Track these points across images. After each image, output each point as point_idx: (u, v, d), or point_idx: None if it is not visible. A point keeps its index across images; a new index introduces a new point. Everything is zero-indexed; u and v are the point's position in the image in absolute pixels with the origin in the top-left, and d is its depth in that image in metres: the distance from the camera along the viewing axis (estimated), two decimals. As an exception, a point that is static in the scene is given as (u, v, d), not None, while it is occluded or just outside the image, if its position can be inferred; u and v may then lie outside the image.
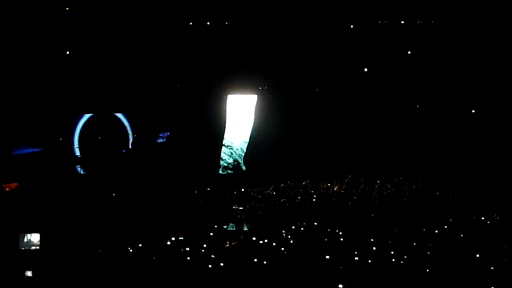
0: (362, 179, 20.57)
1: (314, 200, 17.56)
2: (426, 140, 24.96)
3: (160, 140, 21.34)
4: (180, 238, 13.48)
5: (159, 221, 15.08)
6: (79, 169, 19.74)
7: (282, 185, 19.73)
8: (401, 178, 20.24)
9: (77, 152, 19.96)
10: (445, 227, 14.83)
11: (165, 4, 21.34)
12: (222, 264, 11.47)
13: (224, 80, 22.35)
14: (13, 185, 16.82)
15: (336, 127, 25.11)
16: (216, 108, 22.00)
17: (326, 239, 13.57)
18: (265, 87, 23.47)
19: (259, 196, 17.97)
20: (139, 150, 20.74)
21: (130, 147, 20.88)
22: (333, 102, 25.06)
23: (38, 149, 18.83)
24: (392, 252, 12.27)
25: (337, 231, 14.32)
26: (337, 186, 19.35)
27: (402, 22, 24.41)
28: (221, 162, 21.78)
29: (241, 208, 16.59)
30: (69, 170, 19.57)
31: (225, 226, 15.68)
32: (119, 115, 21.02)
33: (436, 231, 14.36)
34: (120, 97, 20.69)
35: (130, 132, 21.03)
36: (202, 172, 21.08)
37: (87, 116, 20.30)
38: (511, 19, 22.86)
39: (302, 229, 14.70)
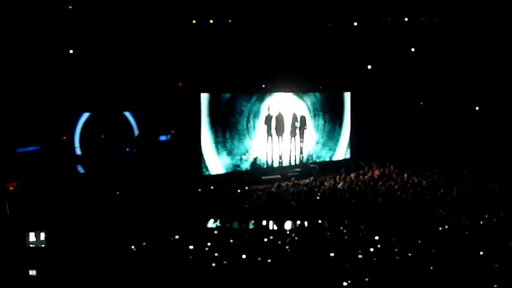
0: (366, 177, 20.63)
1: (318, 197, 17.58)
2: (430, 137, 24.97)
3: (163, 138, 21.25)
4: (184, 235, 13.53)
5: (163, 219, 15.11)
6: (80, 168, 19.68)
7: (286, 183, 19.78)
8: (405, 176, 20.25)
9: (78, 151, 19.88)
10: (449, 224, 14.84)
11: (167, 2, 21.32)
12: (225, 262, 11.50)
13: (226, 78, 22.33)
14: (16, 183, 16.86)
15: (339, 125, 25.12)
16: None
17: (330, 237, 13.59)
18: (268, 85, 23.46)
19: (263, 194, 17.98)
20: (143, 148, 20.72)
21: (134, 145, 20.85)
22: (334, 100, 25.06)
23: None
24: (396, 250, 12.28)
25: (341, 228, 14.34)
26: (341, 183, 19.38)
27: (406, 19, 24.39)
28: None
29: (247, 206, 16.61)
30: (72, 169, 19.58)
31: (228, 224, 15.72)
32: (122, 113, 20.97)
33: (440, 228, 14.37)
34: (123, 94, 20.66)
35: (135, 130, 21.00)
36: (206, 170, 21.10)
37: (89, 114, 20.24)
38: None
39: (306, 226, 14.73)
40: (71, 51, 20.22)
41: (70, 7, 20.04)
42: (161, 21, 21.33)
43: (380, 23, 24.51)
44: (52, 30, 19.55)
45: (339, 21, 23.93)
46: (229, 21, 22.99)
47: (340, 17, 23.89)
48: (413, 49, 24.48)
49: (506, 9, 22.95)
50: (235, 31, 23.15)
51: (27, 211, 15.18)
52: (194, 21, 22.32)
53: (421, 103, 25.72)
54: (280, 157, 23.17)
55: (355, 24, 24.22)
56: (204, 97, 20.83)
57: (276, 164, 23.02)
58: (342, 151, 25.28)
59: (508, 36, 23.41)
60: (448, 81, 24.79)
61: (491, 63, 23.97)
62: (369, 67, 24.09)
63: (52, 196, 16.42)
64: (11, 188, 16.56)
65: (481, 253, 12.01)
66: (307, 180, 20.19)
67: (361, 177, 20.65)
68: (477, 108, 24.74)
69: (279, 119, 22.93)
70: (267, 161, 22.82)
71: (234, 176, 21.15)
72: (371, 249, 12.23)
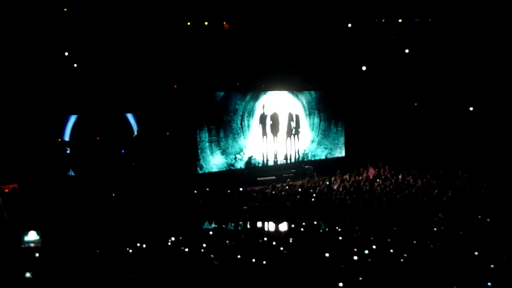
0: (361, 177, 20.66)
1: (313, 198, 17.60)
2: (424, 138, 25.03)
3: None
4: (179, 237, 13.55)
5: (158, 221, 15.11)
6: (71, 171, 19.59)
7: (281, 184, 19.80)
8: (400, 177, 20.30)
9: (70, 153, 19.77)
10: (445, 224, 14.88)
11: (163, 4, 21.32)
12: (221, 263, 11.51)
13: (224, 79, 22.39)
14: (11, 186, 16.84)
15: (335, 123, 25.17)
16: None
17: (325, 237, 13.62)
18: (263, 85, 23.54)
19: (259, 196, 17.99)
20: (138, 149, 20.69)
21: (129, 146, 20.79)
22: (332, 101, 25.12)
23: None
24: (392, 250, 12.31)
25: (337, 228, 14.38)
26: (336, 184, 19.41)
27: (400, 20, 24.46)
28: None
29: (245, 207, 16.63)
30: (68, 170, 19.54)
31: (224, 226, 15.72)
32: (117, 114, 20.92)
33: (435, 229, 14.41)
34: (118, 96, 20.64)
35: (134, 130, 20.97)
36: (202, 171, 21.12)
37: (85, 116, 20.19)
38: (510, 17, 22.93)
39: (302, 227, 14.74)
40: (66, 53, 20.20)
41: (66, 9, 20.02)
42: (156, 22, 21.33)
43: (374, 24, 24.59)
44: (48, 32, 19.54)
45: (333, 22, 23.99)
46: (224, 23, 23.03)
47: (335, 18, 23.94)
48: (407, 50, 24.55)
49: (500, 10, 23.04)
50: (230, 32, 23.19)
51: (23, 210, 15.16)
52: (188, 23, 22.33)
53: (416, 103, 25.79)
54: (275, 156, 23.22)
55: (349, 25, 24.29)
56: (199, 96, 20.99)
57: (271, 163, 23.06)
58: (337, 150, 25.32)
59: (503, 37, 23.50)
60: (442, 82, 24.87)
61: (485, 64, 24.06)
62: (364, 68, 24.16)
63: (48, 197, 16.40)
64: (7, 191, 16.55)
65: (475, 253, 12.05)
66: (302, 181, 20.22)
67: (357, 177, 20.69)
68: (471, 108, 24.83)
69: (274, 118, 22.99)
70: (262, 160, 22.87)
71: (228, 175, 21.21)
72: (366, 250, 12.26)
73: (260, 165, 22.72)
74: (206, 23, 22.53)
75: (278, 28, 23.17)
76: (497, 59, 23.81)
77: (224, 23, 22.99)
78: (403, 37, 24.67)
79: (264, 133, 22.83)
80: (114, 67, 20.51)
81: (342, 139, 25.47)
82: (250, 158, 22.43)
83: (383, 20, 24.46)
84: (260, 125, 22.69)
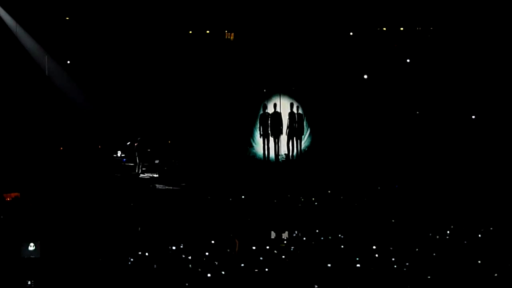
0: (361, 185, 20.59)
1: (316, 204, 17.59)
2: (425, 146, 24.97)
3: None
4: (180, 246, 13.53)
5: (159, 229, 15.08)
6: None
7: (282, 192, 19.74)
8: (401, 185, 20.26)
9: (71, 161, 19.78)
10: (447, 233, 14.83)
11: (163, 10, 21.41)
12: (223, 272, 11.49)
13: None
14: (13, 194, 16.81)
15: (336, 132, 25.13)
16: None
17: (328, 246, 13.60)
18: (264, 90, 23.58)
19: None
20: (140, 157, 20.66)
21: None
22: (331, 107, 25.08)
23: None
24: (394, 259, 12.28)
25: (339, 235, 14.34)
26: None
27: (402, 29, 24.47)
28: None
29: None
30: (70, 178, 19.53)
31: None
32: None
33: (438, 237, 14.37)
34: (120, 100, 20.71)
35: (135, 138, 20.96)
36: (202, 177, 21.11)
37: (86, 123, 20.23)
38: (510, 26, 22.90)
39: (303, 236, 14.71)
40: (68, 62, 20.31)
41: (68, 18, 20.13)
42: (156, 30, 21.43)
43: (376, 32, 24.60)
44: (49, 41, 19.65)
45: (335, 30, 24.02)
46: (226, 31, 23.09)
47: (337, 27, 23.97)
48: (408, 60, 24.54)
49: (503, 18, 23.03)
50: (231, 36, 23.27)
51: (24, 220, 15.13)
52: (190, 32, 22.43)
53: (417, 112, 25.75)
54: (278, 158, 23.19)
55: (351, 33, 24.31)
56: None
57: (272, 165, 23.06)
58: (338, 152, 25.17)
59: (505, 45, 23.48)
60: (444, 90, 24.83)
61: (488, 72, 24.03)
62: (365, 76, 24.16)
63: (50, 206, 16.39)
64: (8, 199, 16.53)
65: (479, 261, 12.02)
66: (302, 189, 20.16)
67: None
68: (473, 117, 24.77)
69: (276, 119, 23.00)
70: (263, 162, 22.87)
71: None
72: (369, 258, 12.24)
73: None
74: (207, 31, 22.60)
75: (280, 34, 23.20)
76: (499, 67, 23.78)
77: (226, 31, 23.03)
78: (405, 45, 24.67)
79: (266, 134, 22.88)
80: (115, 75, 20.60)
81: (343, 142, 25.39)
82: (250, 160, 22.50)
83: (385, 29, 24.47)
84: (261, 126, 22.76)
